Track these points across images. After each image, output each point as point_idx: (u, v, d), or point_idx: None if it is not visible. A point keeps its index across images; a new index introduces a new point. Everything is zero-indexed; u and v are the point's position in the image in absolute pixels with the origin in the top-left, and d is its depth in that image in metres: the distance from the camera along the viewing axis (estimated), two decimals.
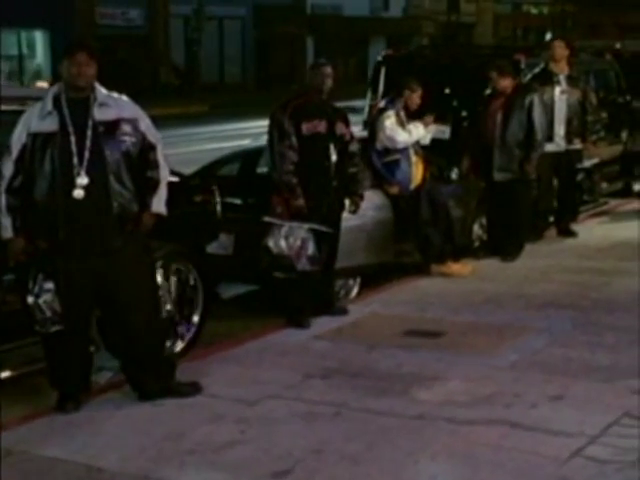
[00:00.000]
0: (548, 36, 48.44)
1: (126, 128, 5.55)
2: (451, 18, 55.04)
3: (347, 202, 7.76)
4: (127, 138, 5.54)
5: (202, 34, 40.00)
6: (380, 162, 8.86)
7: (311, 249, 7.36)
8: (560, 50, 10.24)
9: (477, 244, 9.88)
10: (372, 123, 9.06)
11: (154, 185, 5.69)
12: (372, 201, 8.78)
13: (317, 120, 7.46)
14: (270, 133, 7.52)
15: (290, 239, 7.37)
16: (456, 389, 5.80)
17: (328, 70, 7.58)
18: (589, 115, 10.38)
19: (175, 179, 7.35)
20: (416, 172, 8.89)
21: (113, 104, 5.59)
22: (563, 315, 7.38)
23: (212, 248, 8.16)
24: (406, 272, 8.92)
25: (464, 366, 6.23)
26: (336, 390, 5.85)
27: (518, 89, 9.48)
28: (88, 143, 5.42)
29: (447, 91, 11.84)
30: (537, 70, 10.53)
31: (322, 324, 7.37)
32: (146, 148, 5.63)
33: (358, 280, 8.63)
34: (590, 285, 8.33)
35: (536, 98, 9.44)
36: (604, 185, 12.85)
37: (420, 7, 54.50)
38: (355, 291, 8.59)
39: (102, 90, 5.63)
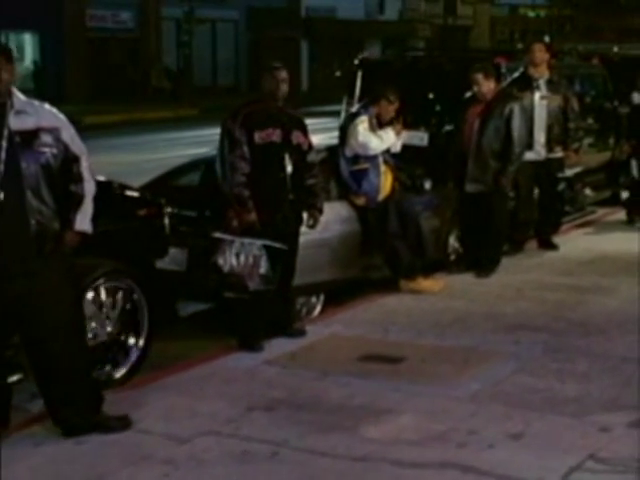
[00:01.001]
0: (546, 39, 48.09)
1: (46, 138, 5.05)
2: (448, 21, 54.55)
3: (305, 216, 7.27)
4: (47, 149, 5.05)
5: (193, 37, 39.53)
6: (348, 170, 8.37)
7: (264, 267, 6.87)
8: (539, 54, 9.73)
9: (453, 257, 9.40)
10: (344, 128, 8.56)
11: (78, 200, 5.21)
12: (338, 213, 8.32)
13: (271, 128, 6.97)
14: (220, 142, 7.04)
15: (241, 256, 6.87)
16: (408, 424, 5.30)
17: (283, 74, 7.09)
18: (571, 122, 9.84)
19: (128, 192, 7.03)
20: (384, 182, 8.40)
21: (32, 112, 5.08)
22: (534, 338, 6.88)
23: (165, 264, 7.70)
24: (375, 288, 8.44)
25: (420, 397, 5.73)
26: (278, 425, 5.36)
27: (499, 95, 8.97)
28: (2, 155, 4.92)
29: (425, 96, 11.38)
30: (516, 75, 10.02)
31: (276, 347, 6.87)
32: (69, 160, 5.15)
33: (322, 297, 8.14)
34: (566, 304, 7.83)
35: (517, 107, 8.93)
36: (589, 192, 12.38)
37: (416, 10, 54.05)
38: (318, 309, 8.10)
39: (20, 96, 5.11)
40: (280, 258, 7.00)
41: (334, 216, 8.24)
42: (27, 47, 37.24)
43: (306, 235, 7.45)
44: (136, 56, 39.38)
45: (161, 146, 21.84)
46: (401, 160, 8.99)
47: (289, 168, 7.05)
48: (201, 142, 21.82)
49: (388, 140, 8.31)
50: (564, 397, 5.66)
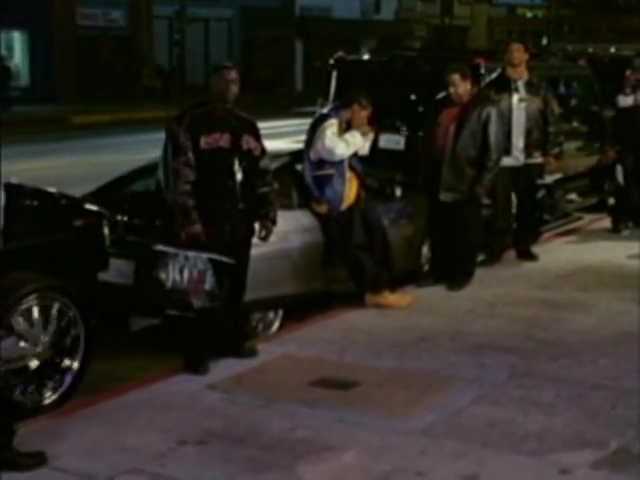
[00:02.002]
0: (544, 40, 47.61)
1: None
2: (444, 21, 54.08)
3: (257, 227, 6.77)
4: None
5: (186, 36, 39.08)
6: (311, 175, 7.86)
7: (210, 283, 6.35)
8: (518, 54, 9.19)
9: (427, 268, 8.91)
10: (312, 129, 8.03)
11: None
12: (299, 222, 7.83)
13: (219, 133, 6.46)
14: (164, 148, 6.52)
15: (185, 271, 6.36)
16: (350, 464, 4.80)
17: (233, 74, 6.58)
18: (551, 126, 9.31)
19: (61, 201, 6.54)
20: (349, 189, 7.89)
21: None
22: (500, 361, 6.38)
23: (111, 277, 7.22)
24: (341, 301, 7.94)
25: (368, 430, 5.22)
26: (208, 463, 4.86)
27: (475, 98, 8.45)
28: None
29: (403, 98, 10.88)
30: (494, 76, 9.51)
31: (223, 369, 6.37)
32: None
33: (280, 313, 7.64)
34: (539, 322, 7.33)
35: (494, 111, 8.41)
36: (576, 198, 11.90)
37: (412, 10, 53.55)
38: (276, 325, 7.60)
39: None
40: (228, 273, 6.49)
41: (295, 225, 7.75)
42: (16, 45, 36.72)
43: (263, 246, 6.95)
44: (127, 55, 38.90)
45: (150, 146, 21.26)
46: (374, 164, 8.51)
47: (239, 175, 6.54)
48: None
49: (355, 144, 7.80)
50: (525, 432, 5.15)
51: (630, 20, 52.72)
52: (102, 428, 5.35)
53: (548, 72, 10.97)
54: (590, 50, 15.80)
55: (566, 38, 43.41)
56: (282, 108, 32.07)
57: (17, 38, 36.68)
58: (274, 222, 6.83)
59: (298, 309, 7.79)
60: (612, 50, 15.69)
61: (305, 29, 45.74)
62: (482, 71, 10.19)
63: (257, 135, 6.75)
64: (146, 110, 30.26)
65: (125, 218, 7.44)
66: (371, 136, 8.10)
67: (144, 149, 20.41)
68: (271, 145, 8.08)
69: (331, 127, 7.72)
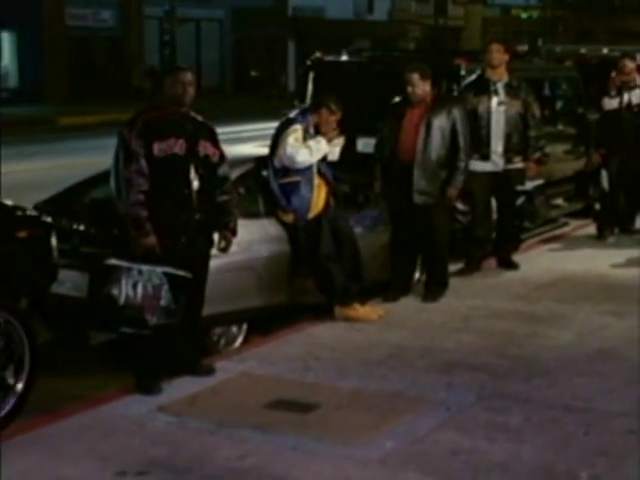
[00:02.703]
0: (540, 41, 47.27)
1: None
2: (438, 22, 53.76)
3: (216, 238, 6.41)
4: None
5: (177, 36, 38.73)
6: (276, 183, 7.51)
7: (165, 299, 5.99)
8: (497, 55, 8.80)
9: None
10: (276, 135, 7.68)
11: None
12: (264, 231, 7.48)
13: (173, 138, 6.10)
14: (115, 155, 6.16)
15: (139, 286, 5.99)
16: None
17: (189, 76, 6.22)
18: (531, 129, 8.94)
19: None
20: (317, 197, 7.54)
21: None
22: (469, 381, 6.02)
23: (66, 289, 6.88)
24: (310, 314, 7.60)
25: (321, 459, 4.87)
26: None
27: (439, 98, 8.09)
28: None
29: (381, 100, 10.50)
30: (472, 78, 9.14)
31: (177, 389, 6.01)
32: None
33: (244, 327, 7.28)
34: (514, 337, 6.97)
35: (460, 110, 8.05)
36: (562, 203, 11.56)
37: (406, 11, 53.25)
38: (240, 340, 7.24)
39: None
40: (185, 287, 6.13)
41: (260, 235, 7.41)
42: (5, 46, 36.36)
43: (225, 257, 6.61)
44: (117, 55, 38.60)
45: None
46: (352, 169, 8.16)
47: (195, 184, 6.18)
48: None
49: (319, 151, 7.44)
50: (488, 462, 4.79)
51: (626, 21, 52.44)
52: (37, 457, 5.00)
53: (531, 74, 10.61)
54: (582, 51, 15.47)
55: (561, 39, 43.11)
56: (274, 109, 31.74)
57: (5, 38, 36.29)
58: (234, 232, 6.49)
59: (266, 322, 7.45)
60: (604, 51, 15.34)
61: (298, 29, 45.41)
62: (462, 72, 9.86)
63: (215, 140, 6.39)
64: (135, 111, 29.92)
65: (81, 227, 7.11)
66: (340, 141, 7.73)
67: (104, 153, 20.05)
68: (264, 148, 7.77)
69: (294, 133, 7.37)
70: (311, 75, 10.86)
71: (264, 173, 7.61)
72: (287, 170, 7.48)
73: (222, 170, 6.39)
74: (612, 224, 10.62)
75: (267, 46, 44.82)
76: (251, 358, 6.63)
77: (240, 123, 24.98)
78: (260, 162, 7.70)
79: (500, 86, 8.86)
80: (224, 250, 6.46)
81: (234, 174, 7.33)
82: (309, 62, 11.05)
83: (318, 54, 11.09)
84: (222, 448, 5.07)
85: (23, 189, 11.03)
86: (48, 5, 35.34)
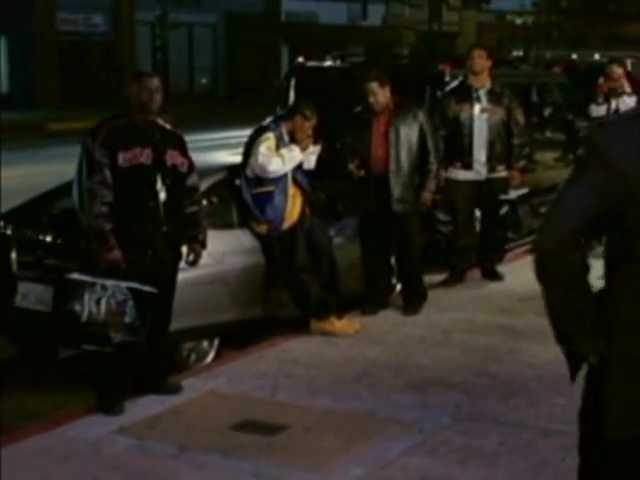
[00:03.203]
0: (534, 47, 47.12)
1: None
2: (433, 27, 53.57)
3: (184, 251, 6.16)
4: None
5: (170, 42, 38.56)
6: (249, 193, 7.26)
7: (130, 315, 5.73)
8: (480, 61, 8.55)
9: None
10: (249, 143, 7.43)
11: None
12: (238, 243, 7.24)
13: (139, 148, 5.85)
14: (78, 165, 5.91)
15: (103, 302, 5.74)
16: None
17: (156, 82, 5.98)
18: (515, 137, 8.68)
19: None
20: (292, 207, 7.30)
21: None
22: (445, 400, 5.77)
23: (30, 303, 6.65)
24: (287, 327, 7.35)
25: None
26: None
27: (402, 105, 7.83)
28: None
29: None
30: (454, 85, 8.89)
31: (140, 409, 5.76)
32: None
33: (216, 342, 7.03)
34: (494, 353, 6.72)
35: (424, 114, 7.86)
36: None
37: (400, 16, 53.09)
38: (211, 355, 7.00)
39: None
40: (151, 303, 5.86)
41: (232, 246, 7.17)
42: None
43: (195, 269, 6.36)
44: (109, 61, 38.35)
45: None
46: (323, 178, 7.91)
47: (162, 195, 5.94)
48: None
49: (292, 160, 7.19)
50: None
51: (621, 26, 52.32)
52: None
53: (518, 80, 10.39)
54: (572, 57, 15.26)
55: (555, 45, 42.95)
56: (267, 115, 31.46)
57: None
58: (204, 245, 6.25)
59: (240, 336, 7.21)
60: (596, 57, 15.12)
61: (291, 35, 45.21)
62: (446, 78, 9.63)
63: (184, 149, 6.15)
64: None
65: (47, 238, 6.87)
66: (316, 149, 7.49)
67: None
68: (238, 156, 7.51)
69: (266, 141, 7.13)
70: (293, 81, 10.63)
71: (237, 182, 7.38)
72: (260, 179, 7.23)
73: (191, 180, 6.15)
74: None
75: (260, 51, 44.61)
76: (221, 375, 6.38)
77: (233, 129, 24.73)
78: (233, 171, 7.46)
79: (482, 93, 8.60)
80: (193, 264, 6.22)
81: (206, 183, 7.13)
82: (291, 67, 10.81)
83: (300, 59, 10.87)
84: (181, 474, 4.82)
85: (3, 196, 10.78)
86: (39, 10, 35.09)
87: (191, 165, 6.16)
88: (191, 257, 6.19)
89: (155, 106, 5.99)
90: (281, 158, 7.14)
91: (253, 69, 44.44)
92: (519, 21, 60.83)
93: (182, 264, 6.20)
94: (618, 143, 2.80)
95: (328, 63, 10.80)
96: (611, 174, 2.78)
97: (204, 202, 6.83)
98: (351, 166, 7.76)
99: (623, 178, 2.77)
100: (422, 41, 52.68)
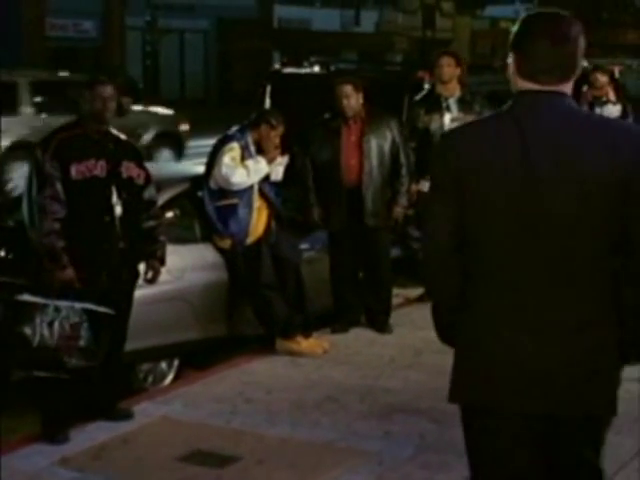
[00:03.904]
0: None
1: None
2: (426, 34, 53.36)
3: (142, 268, 5.83)
4: None
5: (161, 47, 38.30)
6: (212, 205, 6.93)
7: (85, 338, 5.39)
8: (448, 69, 8.14)
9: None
10: (212, 153, 7.10)
11: None
12: (200, 258, 6.92)
13: (93, 159, 5.53)
14: (28, 178, 5.58)
15: (56, 325, 5.39)
16: None
17: (109, 90, 5.66)
18: None
19: None
20: (257, 221, 6.97)
21: None
22: (410, 429, 5.44)
23: None
24: (255, 345, 7.04)
25: None
26: None
27: (374, 114, 7.48)
28: None
29: None
30: (423, 94, 8.53)
31: (86, 437, 5.43)
32: None
33: (175, 363, 6.70)
34: None
35: (397, 124, 7.54)
36: None
37: (393, 23, 52.88)
38: (170, 377, 6.67)
39: None
40: (107, 325, 5.52)
41: (194, 262, 6.84)
42: None
43: (153, 287, 6.03)
44: (99, 66, 38.02)
45: None
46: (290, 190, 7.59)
47: (118, 209, 5.61)
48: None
49: (257, 172, 6.87)
50: None
51: (614, 34, 52.16)
52: None
53: (499, 87, 10.05)
54: None
55: None
56: None
57: None
58: (162, 262, 5.92)
59: (203, 356, 6.89)
60: (584, 64, 14.80)
61: (283, 41, 44.96)
62: (426, 85, 9.31)
63: (140, 160, 5.84)
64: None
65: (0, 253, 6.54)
66: (284, 160, 7.17)
67: None
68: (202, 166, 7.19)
69: (230, 151, 6.80)
70: (269, 88, 10.33)
71: (200, 194, 7.05)
72: (224, 191, 6.91)
73: (148, 193, 5.83)
74: None
75: (252, 57, 44.33)
76: (176, 399, 6.04)
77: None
78: (196, 182, 7.13)
79: (452, 102, 8.21)
80: (151, 281, 5.89)
81: (167, 195, 6.81)
82: (266, 74, 10.51)
83: (277, 66, 10.56)
84: None
85: None
86: (28, 15, 34.80)
87: (148, 177, 5.84)
88: (149, 274, 5.86)
89: (109, 115, 5.68)
90: (246, 170, 6.82)
91: (245, 75, 44.15)
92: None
93: (140, 281, 5.89)
94: (457, 149, 2.95)
95: (305, 70, 10.49)
96: (452, 178, 2.93)
97: (165, 215, 6.53)
98: (315, 215, 7.45)
99: (461, 182, 2.92)
100: (415, 48, 52.48)
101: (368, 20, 51.03)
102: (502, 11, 58.58)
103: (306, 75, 10.37)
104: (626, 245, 2.89)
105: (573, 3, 52.85)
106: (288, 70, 10.50)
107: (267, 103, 10.32)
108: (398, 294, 8.44)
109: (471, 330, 3.01)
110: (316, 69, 10.60)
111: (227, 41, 42.62)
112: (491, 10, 59.36)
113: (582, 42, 2.94)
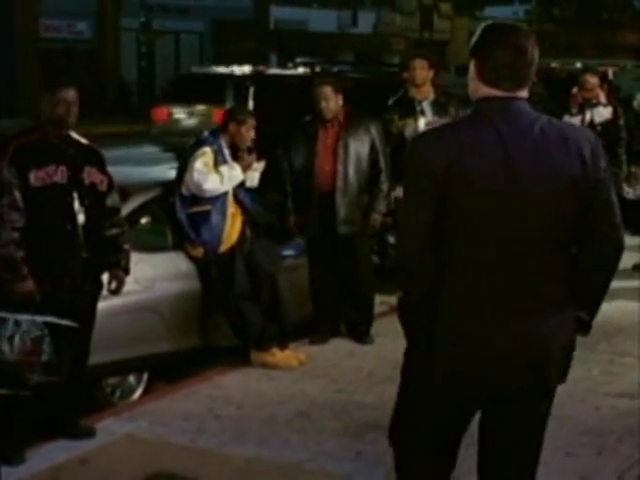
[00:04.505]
0: None
1: None
2: (424, 35, 53.20)
3: (105, 278, 5.57)
4: None
5: (156, 49, 38.12)
6: (184, 212, 6.68)
7: (47, 353, 5.12)
8: (421, 72, 7.90)
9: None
10: (184, 158, 6.85)
11: None
12: (172, 267, 6.69)
13: (53, 165, 5.28)
14: None
15: (16, 340, 5.12)
16: None
17: (72, 94, 5.42)
18: None
19: None
20: (231, 228, 6.72)
21: None
22: (382, 449, 5.12)
23: None
24: (229, 357, 6.80)
25: None
26: None
27: (352, 117, 7.23)
28: None
29: None
30: (396, 98, 8.26)
31: (43, 458, 5.18)
32: None
33: (145, 376, 6.45)
34: None
35: (377, 128, 7.28)
36: None
37: (391, 24, 52.70)
38: (139, 391, 6.42)
39: None
40: (70, 339, 5.27)
41: (165, 271, 6.60)
42: None
43: (120, 297, 5.78)
44: (93, 68, 37.85)
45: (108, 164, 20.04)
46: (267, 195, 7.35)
47: (80, 217, 5.36)
48: (154, 159, 20.02)
49: (232, 179, 6.62)
50: None
51: (613, 35, 52.01)
52: None
53: None
54: (552, 65, 14.72)
55: (548, 53, 42.53)
56: None
57: None
58: (127, 271, 5.66)
59: (175, 368, 6.64)
60: (577, 65, 14.56)
61: (280, 42, 44.76)
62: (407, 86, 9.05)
63: (102, 166, 5.58)
64: (109, 125, 29.11)
65: None
66: (260, 166, 6.92)
67: None
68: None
69: (203, 156, 6.55)
70: (251, 90, 10.08)
71: (171, 200, 6.79)
72: (196, 198, 6.66)
73: (111, 200, 5.58)
74: None
75: (248, 59, 44.09)
76: (143, 416, 5.79)
77: None
78: (167, 188, 6.88)
79: (426, 105, 7.96)
80: (116, 292, 5.64)
81: (137, 201, 6.58)
82: (249, 75, 10.26)
83: (261, 67, 10.33)
84: None
85: None
86: (21, 15, 34.58)
87: (111, 183, 5.59)
88: (113, 285, 5.60)
89: (72, 119, 5.44)
90: (219, 176, 6.57)
91: None
92: None
93: (104, 292, 5.63)
94: (427, 150, 3.13)
95: (289, 71, 10.25)
96: (430, 176, 3.09)
97: (132, 222, 6.29)
98: (291, 221, 7.22)
99: (440, 180, 3.07)
100: (413, 49, 52.32)
101: (366, 21, 50.86)
102: (501, 12, 58.35)
103: (290, 76, 10.12)
104: (586, 230, 3.18)
105: (573, 4, 52.76)
106: (271, 71, 10.28)
107: (250, 105, 10.07)
108: (383, 302, 8.20)
109: (448, 315, 3.20)
110: (300, 70, 10.36)
111: (223, 42, 42.39)
112: (490, 11, 59.10)
113: (537, 53, 3.18)
